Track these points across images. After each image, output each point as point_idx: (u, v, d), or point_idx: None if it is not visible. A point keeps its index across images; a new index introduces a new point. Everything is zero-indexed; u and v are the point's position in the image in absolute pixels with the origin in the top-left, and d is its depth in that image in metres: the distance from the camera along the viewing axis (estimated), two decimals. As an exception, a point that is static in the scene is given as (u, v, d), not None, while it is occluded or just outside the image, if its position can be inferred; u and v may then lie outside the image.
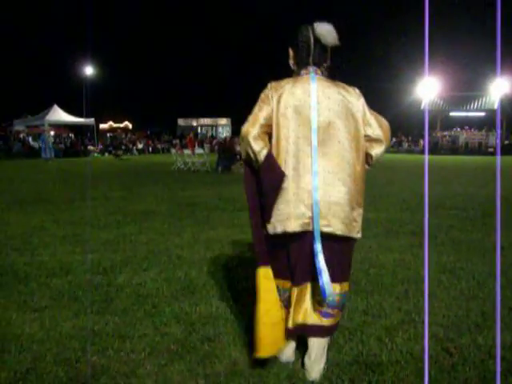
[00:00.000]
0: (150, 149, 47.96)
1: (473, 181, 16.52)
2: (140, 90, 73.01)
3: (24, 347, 3.57)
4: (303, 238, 3.16)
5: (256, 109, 3.22)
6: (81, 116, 42.72)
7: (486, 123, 47.01)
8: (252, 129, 3.17)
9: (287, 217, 3.12)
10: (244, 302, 4.40)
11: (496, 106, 42.92)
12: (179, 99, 70.48)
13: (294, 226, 3.11)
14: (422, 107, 44.09)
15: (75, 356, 3.44)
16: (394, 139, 53.43)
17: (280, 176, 3.12)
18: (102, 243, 6.87)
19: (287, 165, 3.12)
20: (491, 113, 44.68)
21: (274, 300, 3.24)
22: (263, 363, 3.29)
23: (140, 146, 47.34)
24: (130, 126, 55.47)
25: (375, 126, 3.23)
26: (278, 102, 3.16)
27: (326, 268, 3.06)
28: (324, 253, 3.10)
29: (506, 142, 44.60)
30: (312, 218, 3.09)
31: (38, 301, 4.54)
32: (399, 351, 3.49)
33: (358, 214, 3.22)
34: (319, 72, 3.25)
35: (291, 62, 3.36)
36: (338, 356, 3.43)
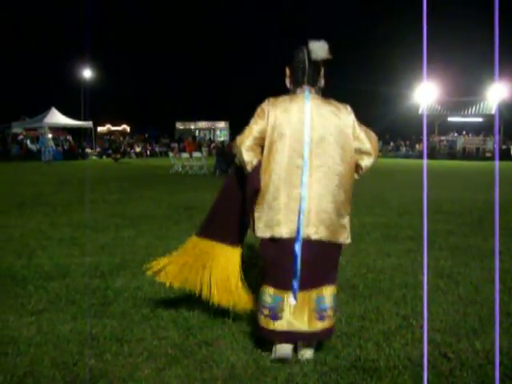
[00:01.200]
0: (148, 152, 47.92)
1: (470, 186, 16.54)
2: (138, 93, 73.13)
3: (21, 350, 3.57)
4: (292, 244, 3.39)
5: (252, 122, 3.51)
6: (79, 119, 42.70)
7: (484, 128, 47.05)
8: (246, 140, 3.49)
9: (276, 223, 3.38)
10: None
11: (494, 111, 42.97)
12: (177, 102, 70.56)
13: (282, 232, 3.38)
14: (419, 112, 44.08)
15: (73, 359, 3.44)
16: (391, 144, 53.51)
17: (257, 187, 3.43)
18: (99, 246, 6.86)
19: (279, 176, 3.38)
20: (489, 118, 44.69)
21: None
22: (261, 367, 3.29)
23: (138, 149, 47.30)
24: (128, 129, 55.42)
25: (365, 141, 3.52)
26: (275, 117, 3.42)
27: (297, 273, 3.37)
28: (313, 258, 3.39)
29: (504, 146, 44.67)
30: (299, 225, 3.35)
31: (36, 304, 4.54)
32: (397, 356, 3.49)
33: (346, 221, 3.49)
34: (313, 91, 3.52)
35: (287, 80, 3.64)
36: (335, 361, 3.43)
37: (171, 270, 4.02)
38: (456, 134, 47.42)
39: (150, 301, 4.62)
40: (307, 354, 3.46)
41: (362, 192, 13.30)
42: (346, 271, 5.58)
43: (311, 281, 3.43)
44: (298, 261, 3.37)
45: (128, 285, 5.10)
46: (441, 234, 7.76)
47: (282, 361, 3.38)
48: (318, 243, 3.38)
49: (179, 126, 61.26)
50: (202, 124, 61.48)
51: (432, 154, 41.42)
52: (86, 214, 9.91)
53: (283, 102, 3.47)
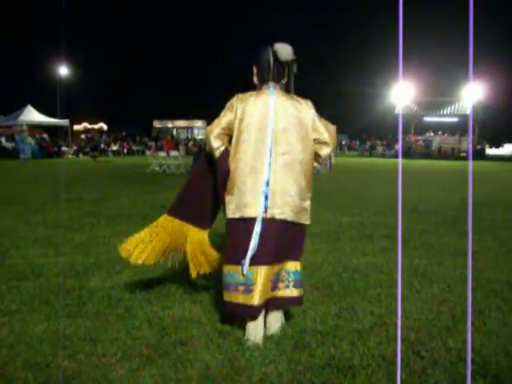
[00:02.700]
0: (125, 150, 47.62)
1: (445, 185, 16.70)
2: (115, 91, 72.63)
3: (-7, 351, 3.52)
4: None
5: (221, 114, 3.91)
6: (55, 117, 42.26)
7: (459, 128, 47.59)
8: (215, 129, 3.88)
9: (244, 205, 3.74)
10: (217, 305, 4.39)
11: (468, 111, 43.47)
12: (155, 100, 70.22)
13: (250, 212, 3.72)
14: (396, 112, 44.44)
15: (46, 360, 3.40)
16: (368, 143, 53.86)
17: (226, 171, 3.83)
18: (74, 246, 6.80)
19: (245, 163, 3.76)
20: (464, 118, 45.24)
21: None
22: (236, 367, 3.29)
23: (115, 147, 46.98)
24: (105, 127, 55.02)
25: (323, 132, 3.91)
26: (242, 110, 3.81)
27: (253, 249, 3.66)
28: (277, 235, 3.74)
29: (478, 146, 45.24)
30: (265, 206, 3.71)
31: (9, 304, 4.48)
32: (371, 355, 3.51)
33: (308, 204, 3.87)
34: (277, 87, 3.90)
35: (255, 78, 4.01)
36: (310, 360, 3.43)
37: (144, 249, 4.24)
38: (432, 134, 47.90)
39: (124, 300, 4.59)
40: (274, 327, 3.86)
41: (338, 191, 13.38)
42: (321, 270, 5.59)
43: (275, 256, 3.75)
44: (257, 238, 3.67)
45: (103, 285, 5.06)
46: (415, 233, 7.83)
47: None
48: (282, 222, 3.74)
49: (156, 124, 61.03)
50: (180, 123, 61.32)
51: (408, 154, 41.82)
52: (61, 213, 9.82)
53: (250, 96, 3.85)
